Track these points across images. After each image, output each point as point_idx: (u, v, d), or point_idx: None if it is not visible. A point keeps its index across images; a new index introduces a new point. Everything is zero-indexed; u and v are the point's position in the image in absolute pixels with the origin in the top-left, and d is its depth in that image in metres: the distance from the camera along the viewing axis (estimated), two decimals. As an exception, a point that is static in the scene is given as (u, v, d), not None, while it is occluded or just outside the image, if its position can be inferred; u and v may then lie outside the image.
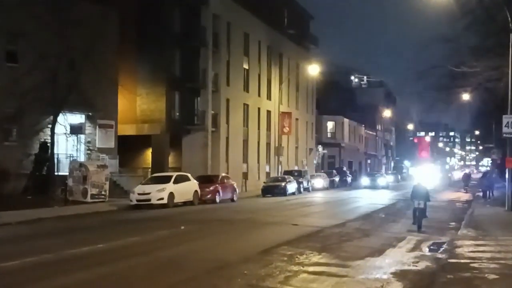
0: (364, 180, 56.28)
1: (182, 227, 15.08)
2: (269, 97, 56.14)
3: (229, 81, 48.14)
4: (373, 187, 51.97)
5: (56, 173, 30.94)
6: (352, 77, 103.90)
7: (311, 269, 11.45)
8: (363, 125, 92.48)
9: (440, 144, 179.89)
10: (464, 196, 40.85)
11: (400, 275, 10.94)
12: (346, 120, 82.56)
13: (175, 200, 29.03)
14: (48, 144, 30.62)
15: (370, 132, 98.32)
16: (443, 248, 14.43)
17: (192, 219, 22.95)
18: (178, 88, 43.09)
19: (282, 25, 59.48)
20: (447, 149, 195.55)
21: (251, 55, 52.44)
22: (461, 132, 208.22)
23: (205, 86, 44.38)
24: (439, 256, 13.30)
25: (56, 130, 30.67)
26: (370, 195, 40.71)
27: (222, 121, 46.63)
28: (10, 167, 28.98)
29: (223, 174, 37.42)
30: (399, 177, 79.16)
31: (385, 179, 55.71)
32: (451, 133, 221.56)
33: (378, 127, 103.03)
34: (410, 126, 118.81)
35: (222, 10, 46.68)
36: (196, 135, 44.20)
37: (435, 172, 64.50)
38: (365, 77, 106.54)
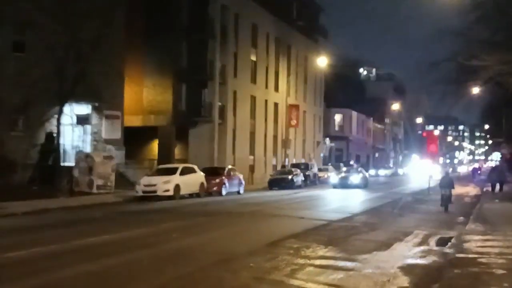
0: (333, 178, 43.87)
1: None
2: (276, 89, 56.02)
3: (237, 73, 48.03)
4: (344, 185, 40.82)
5: (62, 164, 30.99)
6: (361, 70, 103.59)
7: (317, 262, 11.35)
8: (372, 118, 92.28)
9: (449, 138, 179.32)
10: (472, 190, 40.59)
11: (407, 269, 10.83)
12: (354, 113, 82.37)
13: (181, 192, 29.00)
14: (55, 135, 30.65)
15: (379, 126, 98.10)
16: (450, 243, 14.28)
17: (198, 211, 22.92)
18: (185, 79, 43.04)
19: (290, 17, 59.29)
20: (456, 143, 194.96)
21: (259, 47, 52.29)
22: (471, 126, 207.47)
23: (212, 78, 44.28)
24: (447, 250, 13.16)
25: (62, 121, 30.67)
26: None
27: (229, 113, 46.55)
28: (17, 158, 29.05)
29: (230, 167, 37.36)
30: (388, 172, 75.86)
31: (359, 176, 42.91)
32: (460, 127, 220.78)
33: (387, 120, 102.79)
34: (419, 120, 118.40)
35: (230, 1, 46.52)
36: (203, 127, 44.15)
37: (434, 167, 57.77)
38: (374, 69, 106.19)
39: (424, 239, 15.16)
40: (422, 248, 13.59)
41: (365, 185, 42.00)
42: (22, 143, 30.21)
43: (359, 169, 47.91)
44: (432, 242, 14.70)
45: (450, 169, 50.57)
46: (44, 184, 28.94)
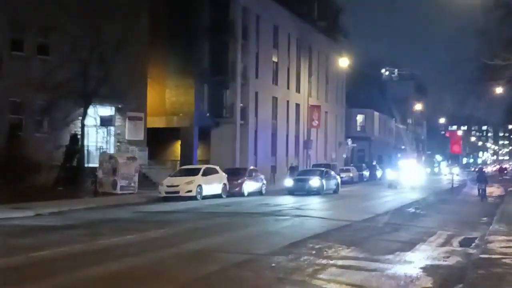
0: (288, 181, 35.14)
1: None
2: (298, 90, 55.93)
3: (258, 74, 48.06)
4: (301, 190, 33.26)
5: (86, 165, 31.26)
6: (383, 70, 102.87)
7: (339, 262, 11.34)
8: (394, 119, 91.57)
9: (473, 139, 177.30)
10: (496, 190, 40.11)
11: (430, 270, 10.78)
12: (376, 113, 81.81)
13: (204, 193, 29.09)
14: (79, 136, 30.94)
15: (401, 126, 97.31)
16: (474, 244, 14.18)
17: (220, 212, 23.00)
18: (207, 80, 43.20)
19: (311, 17, 59.12)
20: (480, 143, 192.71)
21: (280, 48, 52.26)
22: (494, 126, 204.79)
23: (234, 78, 44.38)
24: (471, 251, 13.07)
25: (86, 122, 30.98)
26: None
27: (251, 114, 46.60)
28: (42, 159, 29.34)
29: (251, 167, 37.36)
30: (366, 174, 58.20)
31: (320, 180, 33.78)
32: (484, 127, 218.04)
33: (409, 120, 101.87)
34: (442, 120, 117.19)
35: (252, 2, 46.58)
36: (225, 127, 44.24)
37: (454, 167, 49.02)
38: (396, 69, 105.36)
39: (447, 239, 15.07)
40: (445, 248, 13.50)
41: (334, 190, 35.49)
42: (47, 145, 30.53)
43: (323, 171, 36.44)
44: (456, 242, 14.60)
45: (475, 169, 48.56)
46: (69, 185, 29.20)
